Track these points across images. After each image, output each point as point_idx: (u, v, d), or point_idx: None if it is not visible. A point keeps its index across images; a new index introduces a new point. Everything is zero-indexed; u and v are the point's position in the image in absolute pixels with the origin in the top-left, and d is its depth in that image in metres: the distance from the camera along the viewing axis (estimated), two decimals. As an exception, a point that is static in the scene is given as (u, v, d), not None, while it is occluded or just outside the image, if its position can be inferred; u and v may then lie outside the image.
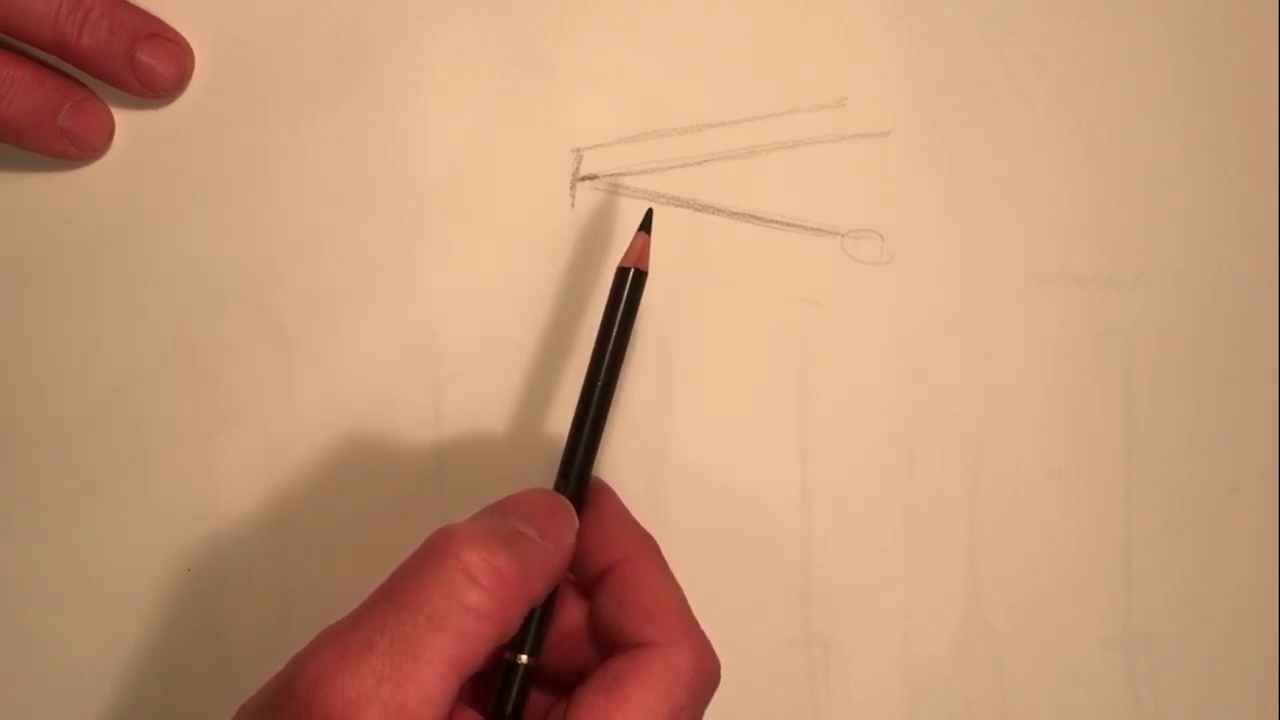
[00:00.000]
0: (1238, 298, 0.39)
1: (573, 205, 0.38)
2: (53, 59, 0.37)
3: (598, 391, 0.31)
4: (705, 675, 0.29)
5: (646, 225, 0.33)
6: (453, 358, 0.38)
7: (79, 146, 0.37)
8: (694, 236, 0.38)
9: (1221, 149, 0.39)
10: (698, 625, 0.30)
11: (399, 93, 0.38)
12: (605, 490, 0.32)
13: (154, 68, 0.37)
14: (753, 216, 0.38)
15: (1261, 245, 0.39)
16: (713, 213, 0.38)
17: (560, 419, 0.38)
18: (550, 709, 0.31)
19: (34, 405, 0.38)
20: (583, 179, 0.38)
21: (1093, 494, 0.39)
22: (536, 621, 0.30)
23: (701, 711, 0.29)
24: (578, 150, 0.38)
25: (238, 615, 0.38)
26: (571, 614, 0.31)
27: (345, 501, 0.38)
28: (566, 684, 0.30)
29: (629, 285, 0.32)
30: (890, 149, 0.38)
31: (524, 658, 0.30)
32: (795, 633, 0.38)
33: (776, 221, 0.38)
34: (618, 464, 0.38)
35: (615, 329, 0.32)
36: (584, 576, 0.31)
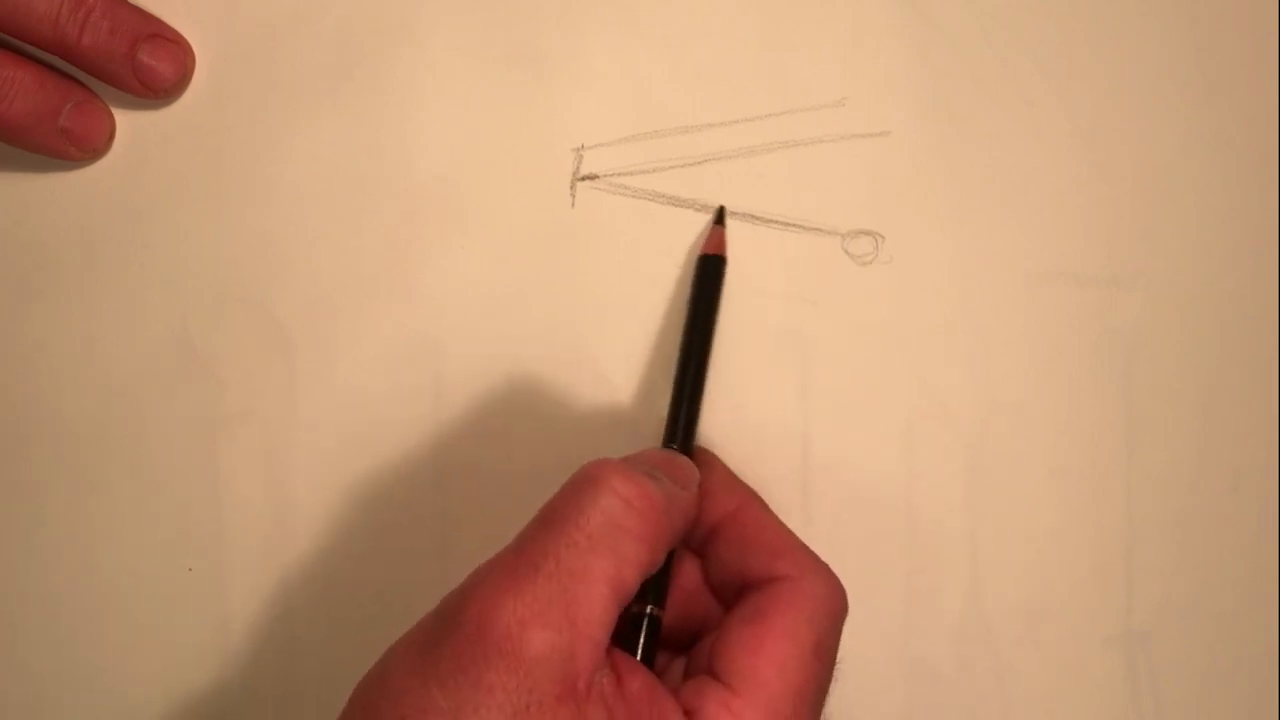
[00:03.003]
0: (1238, 298, 0.39)
1: (573, 205, 0.38)
2: (54, 59, 0.37)
3: (693, 362, 0.35)
4: (841, 602, 0.30)
5: (720, 219, 0.37)
6: (453, 357, 0.38)
7: (80, 147, 0.37)
8: (694, 236, 0.38)
9: (1221, 149, 0.39)
10: (821, 559, 0.31)
11: (399, 92, 0.38)
12: (706, 453, 0.35)
13: (155, 68, 0.37)
14: (753, 216, 0.38)
15: (1261, 245, 0.39)
16: (713, 212, 0.38)
17: (561, 419, 0.38)
18: (668, 666, 0.32)
19: (34, 405, 0.38)
20: (583, 179, 0.38)
21: (1093, 494, 0.39)
22: (659, 574, 0.31)
23: (839, 639, 0.30)
24: (578, 150, 0.38)
25: (238, 615, 0.38)
26: (686, 571, 0.33)
27: (345, 501, 0.38)
28: (682, 645, 0.32)
29: (712, 270, 0.37)
30: (890, 149, 0.38)
31: (650, 608, 0.31)
32: (795, 633, 0.38)
33: (776, 221, 0.38)
34: (618, 464, 0.38)
35: (705, 307, 0.36)
36: (695, 536, 0.33)
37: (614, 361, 0.38)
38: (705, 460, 0.34)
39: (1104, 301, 0.39)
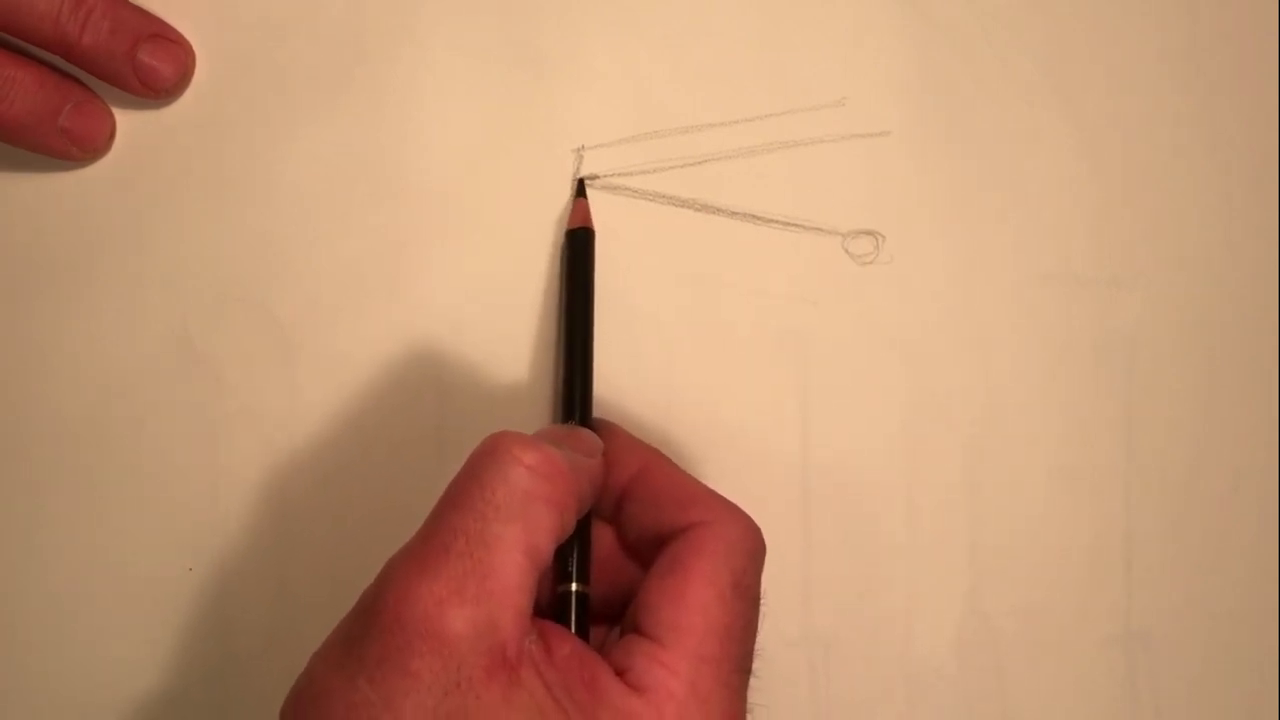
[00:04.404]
0: (1238, 298, 0.39)
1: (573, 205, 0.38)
2: (54, 59, 0.37)
3: (579, 335, 0.35)
4: (756, 540, 0.30)
5: (581, 192, 0.37)
6: (453, 357, 0.38)
7: (80, 146, 0.37)
8: (694, 236, 0.38)
9: (1221, 149, 0.39)
10: (732, 502, 0.31)
11: (399, 93, 0.38)
12: (605, 422, 0.35)
13: (155, 68, 0.37)
14: (753, 216, 0.38)
15: (1261, 245, 0.39)
16: (713, 213, 0.38)
17: (562, 417, 0.38)
18: (605, 639, 0.32)
19: (34, 405, 0.38)
20: (583, 179, 0.38)
21: (1093, 494, 0.39)
22: (578, 551, 0.31)
23: (759, 576, 0.30)
24: (578, 150, 0.38)
25: (238, 615, 0.38)
26: (603, 541, 0.33)
27: (345, 501, 0.38)
28: (613, 616, 0.32)
29: (581, 243, 0.37)
30: (890, 149, 0.38)
31: (575, 585, 0.31)
32: (795, 633, 0.38)
33: (776, 221, 0.38)
34: (618, 464, 0.38)
35: (582, 280, 0.36)
36: (605, 504, 0.33)
37: (614, 362, 0.38)
38: (605, 428, 0.34)
39: (1104, 301, 0.39)
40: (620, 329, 0.38)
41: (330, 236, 0.38)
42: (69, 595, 0.38)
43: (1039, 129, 0.38)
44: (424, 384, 0.38)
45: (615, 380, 0.38)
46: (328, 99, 0.38)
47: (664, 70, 0.38)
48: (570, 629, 0.31)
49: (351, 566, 0.38)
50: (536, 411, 0.38)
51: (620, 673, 0.28)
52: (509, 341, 0.38)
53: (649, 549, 0.31)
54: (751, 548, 0.30)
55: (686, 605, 0.29)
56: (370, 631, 0.26)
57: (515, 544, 0.27)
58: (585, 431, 0.33)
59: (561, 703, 0.27)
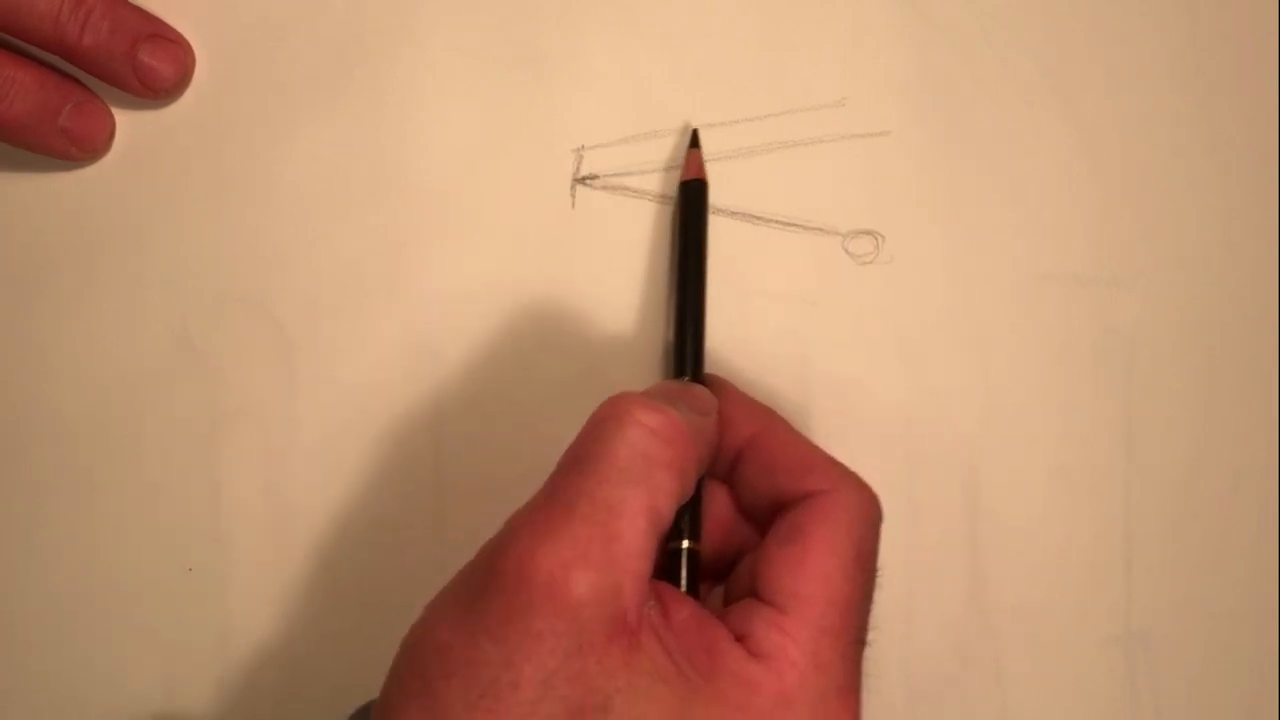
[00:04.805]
0: (1238, 298, 0.39)
1: (573, 205, 0.38)
2: (54, 59, 0.37)
3: (691, 289, 0.35)
4: (876, 510, 0.30)
5: (695, 143, 0.37)
6: (453, 357, 0.38)
7: (80, 147, 0.37)
8: (694, 236, 0.38)
9: (1221, 149, 0.39)
10: (850, 470, 0.30)
11: (399, 93, 0.38)
12: (718, 379, 0.34)
13: (155, 68, 0.37)
14: (753, 216, 0.38)
15: (1261, 245, 0.39)
16: (713, 213, 0.38)
17: (561, 419, 0.38)
18: (707, 595, 0.32)
19: (34, 405, 0.38)
20: (583, 179, 0.38)
21: (1093, 494, 0.39)
22: (691, 509, 0.31)
23: (878, 545, 0.30)
24: (578, 150, 0.38)
25: (238, 615, 0.38)
26: (716, 501, 0.32)
27: (345, 501, 0.38)
28: (719, 573, 0.32)
29: (695, 195, 0.37)
30: (890, 149, 0.38)
31: (687, 543, 0.31)
32: (795, 633, 0.38)
33: (776, 221, 0.38)
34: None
35: (695, 234, 0.36)
36: (719, 463, 0.32)
37: (614, 362, 0.38)
38: (719, 386, 0.34)
39: (1104, 301, 0.39)
40: (621, 329, 0.38)
41: (330, 236, 0.38)
42: (69, 595, 0.38)
43: (1039, 129, 0.38)
44: (423, 384, 0.38)
45: (615, 380, 0.38)
46: (328, 99, 0.38)
47: (664, 70, 0.38)
48: (681, 586, 0.30)
49: (351, 566, 0.38)
50: (534, 411, 0.38)
51: (739, 638, 0.28)
52: (509, 341, 0.38)
53: (764, 512, 0.31)
54: (872, 517, 0.30)
55: (808, 574, 0.28)
56: (492, 590, 0.26)
57: (638, 508, 0.27)
58: (700, 388, 0.33)
59: (681, 667, 0.27)
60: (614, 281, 0.38)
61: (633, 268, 0.38)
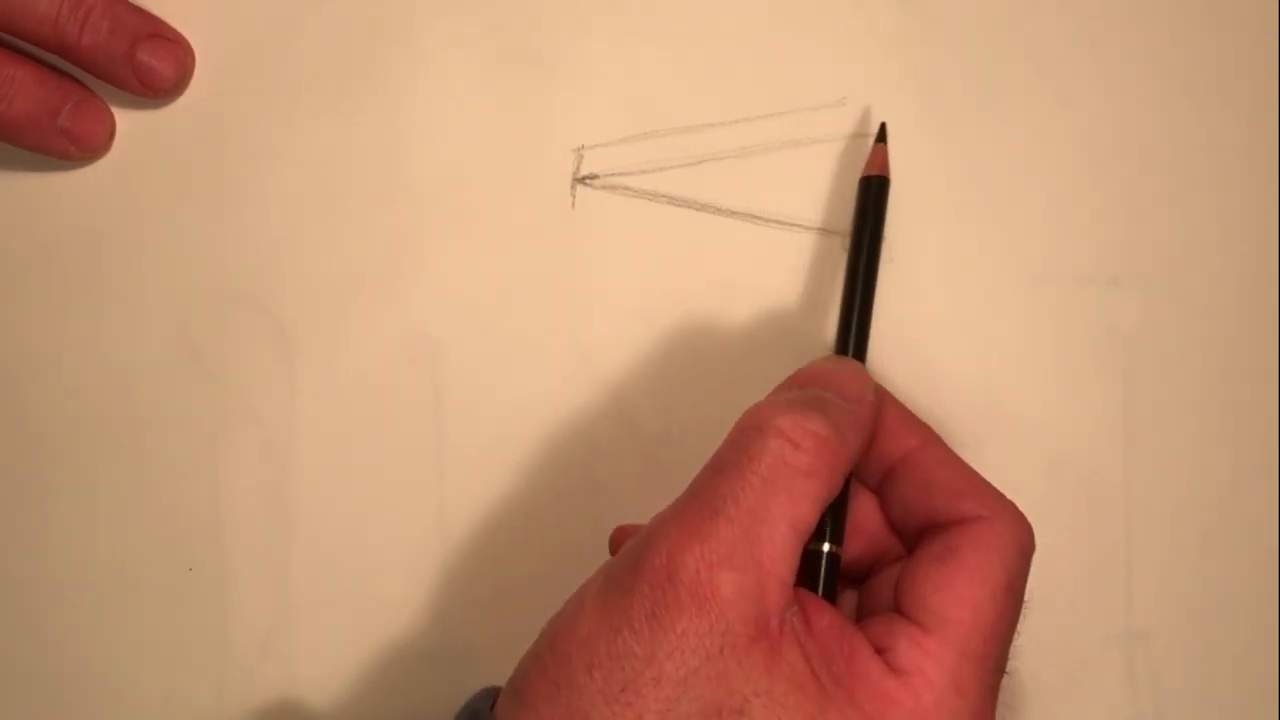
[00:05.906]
0: (1238, 298, 0.39)
1: (573, 205, 0.38)
2: (53, 59, 0.37)
3: (863, 275, 0.35)
4: (1030, 539, 0.30)
5: (883, 136, 0.37)
6: (453, 357, 0.38)
7: (80, 146, 0.37)
8: (694, 236, 0.38)
9: (1221, 149, 0.39)
10: (1008, 499, 0.30)
11: (399, 92, 0.38)
12: (881, 389, 0.34)
13: (155, 68, 0.37)
14: (753, 216, 0.38)
15: (1261, 245, 0.39)
16: (713, 213, 0.38)
17: (560, 419, 0.38)
18: (840, 598, 0.32)
19: (34, 405, 0.38)
20: (583, 179, 0.38)
21: (1093, 493, 0.39)
22: (833, 511, 0.31)
23: (1028, 577, 0.30)
24: (578, 150, 0.38)
25: (238, 615, 0.38)
26: (862, 508, 0.32)
27: (345, 501, 0.38)
28: (856, 579, 0.32)
29: (874, 192, 0.36)
30: (890, 149, 0.38)
31: (828, 545, 0.31)
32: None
33: (776, 221, 0.38)
34: (615, 462, 0.38)
35: (870, 227, 0.36)
36: (871, 472, 0.32)
37: (613, 362, 0.38)
38: (880, 396, 0.33)
39: (1104, 301, 0.39)
40: (620, 329, 0.38)
41: (330, 236, 0.38)
42: (69, 594, 0.38)
43: (1039, 129, 0.38)
44: (423, 384, 0.38)
45: (615, 380, 0.38)
46: (328, 99, 0.38)
47: (664, 70, 0.38)
48: (819, 587, 0.30)
49: (351, 566, 0.38)
50: (534, 411, 0.38)
51: (880, 651, 0.28)
52: (509, 341, 0.38)
53: (914, 528, 0.31)
54: (1027, 548, 0.30)
55: (958, 598, 0.28)
56: (637, 587, 0.27)
57: (782, 514, 0.27)
58: (854, 368, 0.32)
59: (819, 675, 0.27)
60: (614, 282, 0.38)
61: (633, 268, 0.38)
